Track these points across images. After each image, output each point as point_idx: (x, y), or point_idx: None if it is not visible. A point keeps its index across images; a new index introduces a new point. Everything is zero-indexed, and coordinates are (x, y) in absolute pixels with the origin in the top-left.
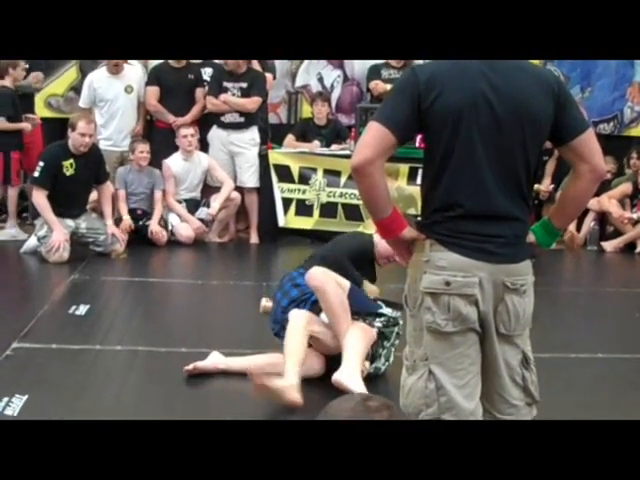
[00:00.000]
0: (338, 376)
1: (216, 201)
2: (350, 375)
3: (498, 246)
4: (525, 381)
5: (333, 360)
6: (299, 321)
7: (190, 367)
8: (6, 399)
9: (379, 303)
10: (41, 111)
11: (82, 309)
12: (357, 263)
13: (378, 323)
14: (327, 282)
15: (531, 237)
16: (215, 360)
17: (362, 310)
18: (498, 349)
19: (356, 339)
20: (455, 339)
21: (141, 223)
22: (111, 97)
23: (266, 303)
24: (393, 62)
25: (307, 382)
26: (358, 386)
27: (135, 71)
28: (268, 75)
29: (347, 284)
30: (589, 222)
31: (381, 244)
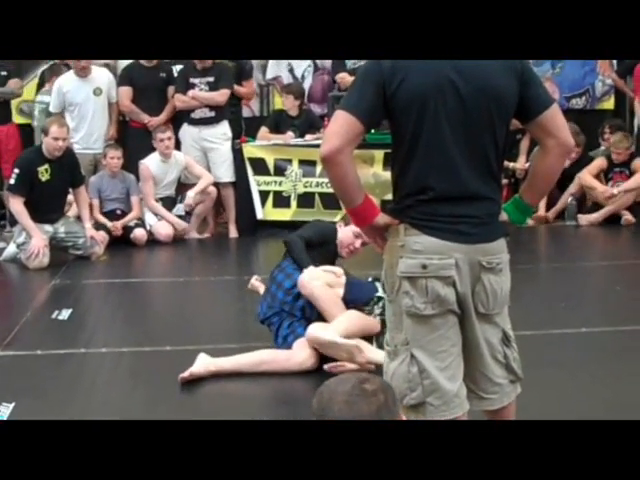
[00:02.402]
0: (310, 329)
1: (191, 191)
2: (324, 328)
3: (472, 226)
4: (507, 359)
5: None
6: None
7: (186, 374)
8: None
9: (375, 284)
10: (14, 118)
11: (65, 313)
12: (318, 249)
13: (377, 310)
14: (315, 287)
15: (504, 215)
16: (205, 363)
17: (358, 301)
18: (478, 329)
19: (345, 317)
20: (435, 322)
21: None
22: (80, 100)
23: (254, 282)
24: None
25: (302, 375)
26: (331, 335)
27: (103, 73)
28: (250, 82)
29: (342, 280)
30: (567, 197)
31: (341, 234)
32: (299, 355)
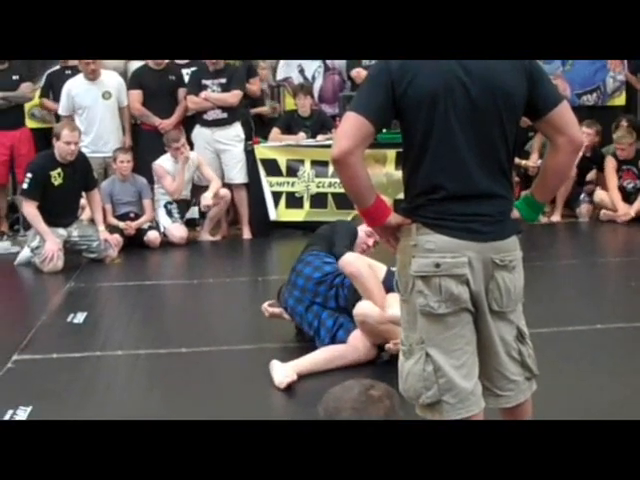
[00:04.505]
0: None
1: (207, 192)
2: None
3: (484, 224)
4: (522, 356)
5: None
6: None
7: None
8: (11, 411)
9: None
10: (27, 122)
11: (80, 317)
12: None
13: None
14: (362, 266)
15: (515, 213)
16: (287, 370)
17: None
18: (492, 326)
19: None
20: (449, 320)
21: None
22: (89, 104)
23: (270, 308)
24: None
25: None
26: None
27: (112, 77)
28: (256, 80)
29: (383, 268)
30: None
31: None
32: (361, 345)
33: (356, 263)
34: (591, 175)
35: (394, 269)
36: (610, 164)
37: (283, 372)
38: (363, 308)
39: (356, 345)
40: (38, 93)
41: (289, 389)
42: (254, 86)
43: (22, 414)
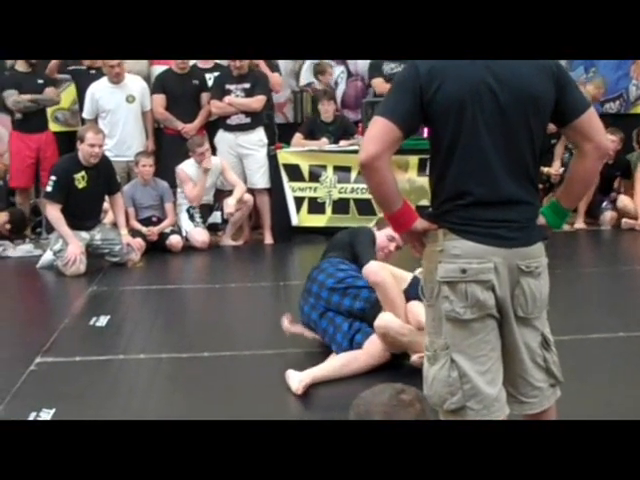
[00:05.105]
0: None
1: (231, 198)
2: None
3: (510, 230)
4: (547, 362)
5: None
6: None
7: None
8: (34, 414)
9: None
10: (50, 126)
11: (103, 320)
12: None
13: None
14: (386, 276)
15: (541, 219)
16: (301, 378)
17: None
18: (517, 333)
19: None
20: (474, 326)
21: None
22: (112, 107)
23: (289, 325)
24: None
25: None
26: None
27: (136, 81)
28: (275, 74)
29: (408, 276)
30: (603, 203)
31: (377, 238)
32: (376, 350)
33: (381, 273)
34: (615, 182)
35: (418, 272)
36: (637, 174)
37: (298, 379)
38: (385, 320)
39: (369, 350)
40: (63, 95)
41: (307, 394)
42: (277, 79)
43: (45, 416)
